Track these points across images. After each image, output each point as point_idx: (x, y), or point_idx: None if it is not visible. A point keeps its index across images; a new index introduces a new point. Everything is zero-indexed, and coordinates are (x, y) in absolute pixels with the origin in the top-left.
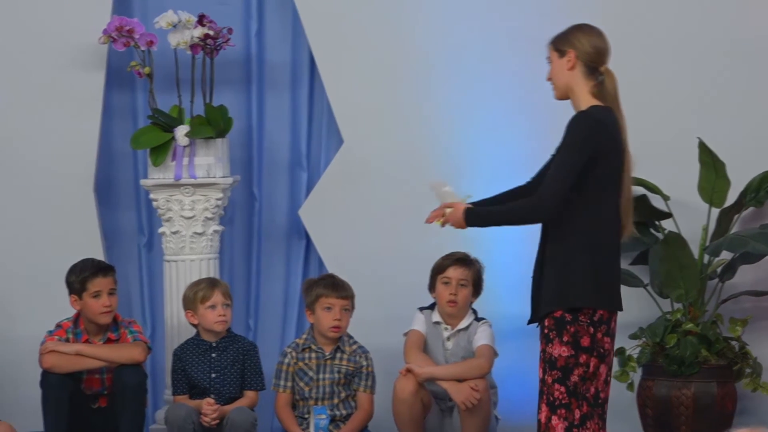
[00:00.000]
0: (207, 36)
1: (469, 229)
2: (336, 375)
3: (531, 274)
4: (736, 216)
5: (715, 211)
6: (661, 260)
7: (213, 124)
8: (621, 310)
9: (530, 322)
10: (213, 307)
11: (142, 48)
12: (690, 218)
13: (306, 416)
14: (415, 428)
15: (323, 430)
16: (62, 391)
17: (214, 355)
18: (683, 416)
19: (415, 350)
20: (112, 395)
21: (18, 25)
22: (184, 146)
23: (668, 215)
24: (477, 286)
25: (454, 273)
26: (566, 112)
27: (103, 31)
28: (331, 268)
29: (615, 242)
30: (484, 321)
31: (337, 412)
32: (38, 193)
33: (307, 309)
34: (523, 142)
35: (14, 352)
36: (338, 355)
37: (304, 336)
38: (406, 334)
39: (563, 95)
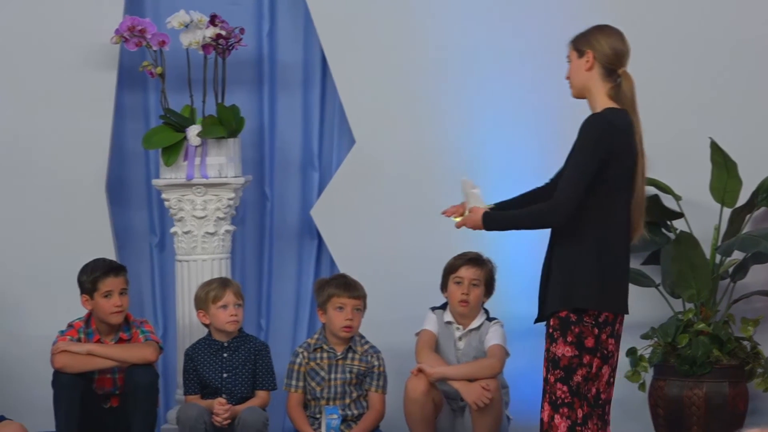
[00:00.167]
0: (219, 36)
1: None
2: (348, 375)
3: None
4: (747, 216)
5: (727, 211)
6: (673, 260)
7: (225, 124)
8: (626, 313)
9: (537, 321)
10: (225, 307)
11: (154, 48)
12: (702, 218)
13: (318, 416)
14: (426, 428)
15: (335, 430)
16: (74, 391)
17: (225, 355)
18: (695, 416)
19: (426, 350)
20: (123, 395)
21: (30, 25)
22: (196, 146)
23: (680, 215)
24: (489, 286)
25: (466, 273)
26: (578, 112)
27: (115, 31)
28: (343, 268)
29: (624, 244)
30: (495, 321)
31: (349, 412)
32: (50, 192)
33: (319, 309)
34: (535, 142)
35: (26, 351)
36: (350, 355)
37: (316, 336)
38: (417, 334)
39: (579, 94)
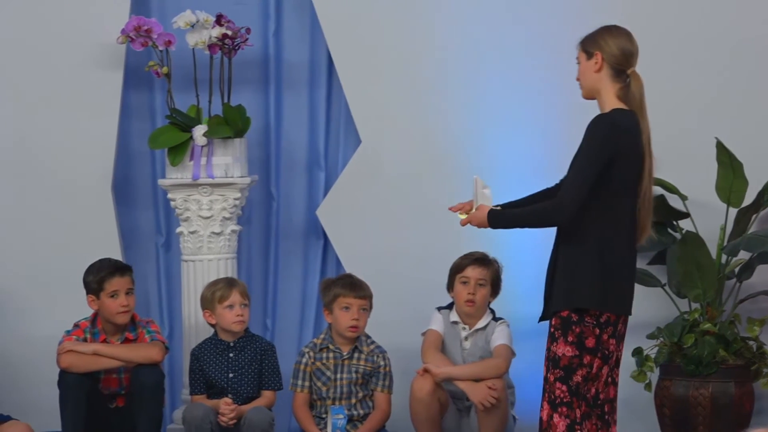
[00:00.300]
0: (225, 36)
1: (488, 229)
2: (353, 375)
3: None
4: (753, 216)
5: (733, 211)
6: (679, 260)
7: (231, 124)
8: (628, 314)
9: (540, 319)
10: (231, 306)
11: (160, 48)
12: (708, 218)
13: (323, 416)
14: (432, 428)
15: (341, 430)
16: (80, 391)
17: (231, 354)
18: (701, 416)
19: (432, 350)
20: (129, 395)
21: (36, 25)
22: (202, 146)
23: (686, 215)
24: (495, 286)
25: (472, 272)
26: (584, 112)
27: (121, 31)
28: (349, 267)
29: (628, 245)
30: (502, 321)
31: (355, 412)
32: (56, 192)
33: (325, 309)
34: (541, 142)
35: (32, 351)
36: (356, 355)
37: (322, 336)
38: (423, 334)
39: (589, 95)
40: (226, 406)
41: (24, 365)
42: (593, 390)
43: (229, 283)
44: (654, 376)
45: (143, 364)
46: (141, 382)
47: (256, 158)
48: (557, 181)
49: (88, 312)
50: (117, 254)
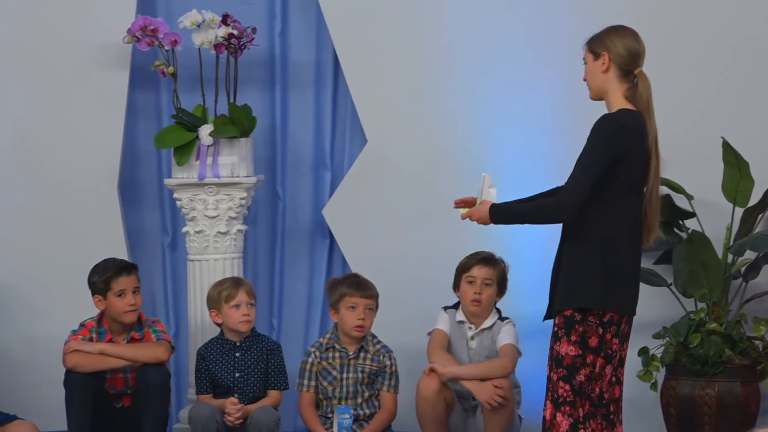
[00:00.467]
0: (231, 35)
1: (494, 228)
2: (359, 374)
3: None
4: (760, 215)
5: (739, 211)
6: (685, 260)
7: (237, 124)
8: (631, 314)
9: (545, 318)
10: (237, 306)
11: (166, 47)
12: (714, 218)
13: (330, 416)
14: (438, 427)
15: (347, 430)
16: (86, 391)
17: (237, 354)
18: (707, 416)
19: (438, 349)
20: (135, 394)
21: (42, 25)
22: (208, 146)
23: (692, 215)
24: (501, 286)
25: (478, 272)
26: (590, 111)
27: (128, 31)
28: (355, 267)
29: (632, 245)
30: (508, 320)
31: (361, 412)
32: (62, 192)
33: (331, 308)
34: (547, 142)
35: (38, 351)
36: (362, 354)
37: (328, 335)
38: (429, 334)
39: (597, 96)
40: (232, 406)
41: (30, 365)
42: (597, 389)
43: (235, 282)
44: (660, 375)
45: (149, 363)
46: (147, 381)
47: (262, 158)
48: (564, 182)
49: (94, 312)
50: (123, 254)
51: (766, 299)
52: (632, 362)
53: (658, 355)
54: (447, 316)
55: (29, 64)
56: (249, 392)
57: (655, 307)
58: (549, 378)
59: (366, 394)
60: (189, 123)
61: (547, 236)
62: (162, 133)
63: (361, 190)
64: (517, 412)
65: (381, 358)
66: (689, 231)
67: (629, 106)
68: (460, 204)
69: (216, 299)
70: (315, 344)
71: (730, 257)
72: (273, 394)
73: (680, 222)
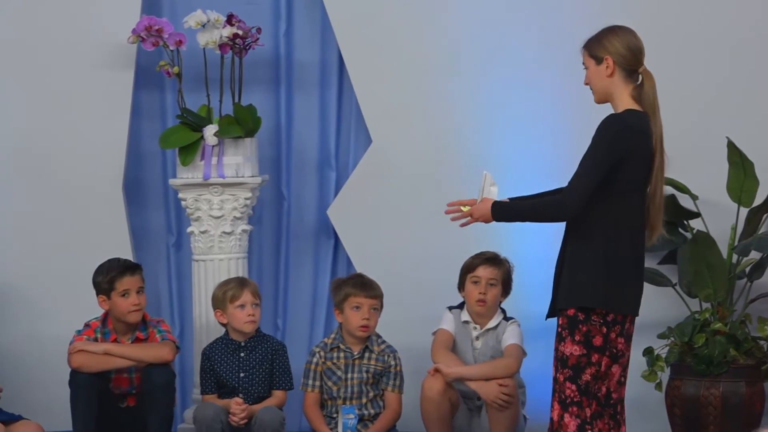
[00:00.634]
0: (236, 35)
1: (499, 228)
2: (364, 374)
3: None
4: (764, 215)
5: (744, 211)
6: (690, 260)
7: (242, 124)
8: (633, 314)
9: (548, 317)
10: (242, 306)
11: (171, 47)
12: (719, 218)
13: (334, 416)
14: (443, 427)
15: (351, 430)
16: (91, 391)
17: (242, 354)
18: (711, 416)
19: (442, 349)
20: (140, 394)
21: (47, 25)
22: (213, 146)
23: (697, 215)
24: (506, 286)
25: (483, 272)
26: (595, 111)
27: (132, 31)
28: (360, 267)
29: (634, 245)
30: (512, 320)
31: (365, 412)
32: (67, 192)
33: (336, 308)
34: (552, 142)
35: (43, 351)
36: (366, 354)
37: (333, 335)
38: (434, 333)
39: (602, 100)
40: (236, 406)
41: (35, 365)
42: (604, 389)
43: (240, 282)
44: (665, 375)
45: (154, 363)
46: (152, 381)
47: (267, 158)
48: (567, 182)
49: (99, 312)
50: (128, 254)
51: None
52: (637, 362)
53: (663, 355)
54: (452, 316)
55: (34, 65)
56: (254, 392)
57: (660, 307)
58: (555, 379)
59: (371, 394)
60: (194, 123)
61: (552, 236)
62: (167, 133)
63: (366, 190)
64: (521, 412)
65: (386, 358)
66: (694, 231)
67: (635, 106)
68: (455, 204)
69: (221, 299)
70: (320, 344)
71: (734, 257)
72: (278, 394)
73: (685, 222)
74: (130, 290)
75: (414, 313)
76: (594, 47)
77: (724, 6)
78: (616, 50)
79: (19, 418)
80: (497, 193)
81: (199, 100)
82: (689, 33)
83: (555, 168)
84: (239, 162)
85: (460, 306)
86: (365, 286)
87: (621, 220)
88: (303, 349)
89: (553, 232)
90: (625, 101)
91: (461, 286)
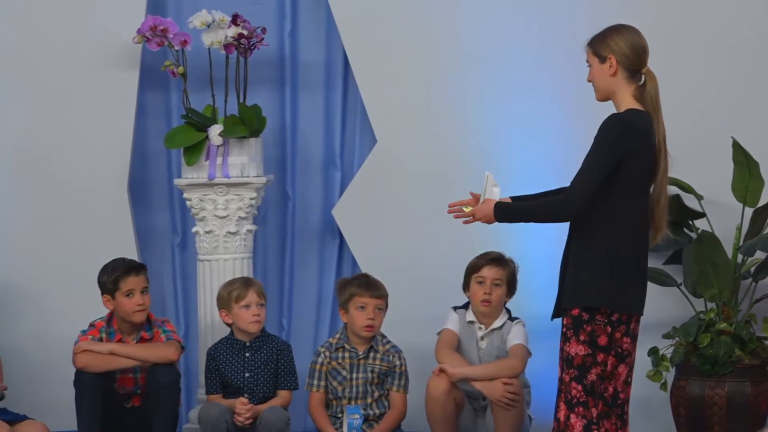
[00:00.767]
0: (241, 35)
1: (504, 228)
2: (369, 374)
3: None
4: None
5: (749, 211)
6: (695, 260)
7: (247, 124)
8: (638, 313)
9: (553, 317)
10: (247, 306)
11: (176, 47)
12: (724, 218)
13: (339, 415)
14: (448, 427)
15: (357, 430)
16: (96, 391)
17: (247, 354)
18: (716, 416)
19: (447, 349)
20: (145, 394)
21: (52, 25)
22: (218, 146)
23: (702, 215)
24: (511, 286)
25: (488, 272)
26: (599, 112)
27: (137, 31)
28: (365, 267)
29: (638, 245)
30: (517, 321)
31: (371, 412)
32: (72, 192)
33: (341, 308)
34: (556, 142)
35: (48, 351)
36: (371, 354)
37: (338, 335)
38: (439, 333)
39: (605, 98)
40: (242, 406)
41: (40, 365)
42: (611, 389)
43: (245, 282)
44: (670, 375)
45: (159, 363)
46: (157, 381)
47: (272, 158)
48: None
49: (105, 312)
50: (133, 254)
51: None
52: (642, 362)
53: (668, 355)
54: (457, 316)
55: (39, 65)
56: (259, 392)
57: (665, 307)
58: (561, 379)
59: (376, 394)
60: (199, 123)
61: (557, 236)
62: (172, 133)
63: (371, 190)
64: (527, 412)
65: (391, 358)
66: (699, 231)
67: (637, 106)
68: (456, 205)
69: (226, 299)
70: (325, 344)
71: (739, 257)
72: (283, 394)
73: (690, 222)
74: (135, 290)
75: (419, 313)
76: (598, 45)
77: (725, 6)
78: (620, 50)
79: (24, 417)
80: (499, 193)
81: (204, 100)
82: (690, 33)
83: (559, 168)
84: (244, 162)
85: (465, 306)
86: (370, 286)
87: (622, 219)
88: (308, 349)
89: (558, 233)
90: (627, 101)
91: (466, 286)
